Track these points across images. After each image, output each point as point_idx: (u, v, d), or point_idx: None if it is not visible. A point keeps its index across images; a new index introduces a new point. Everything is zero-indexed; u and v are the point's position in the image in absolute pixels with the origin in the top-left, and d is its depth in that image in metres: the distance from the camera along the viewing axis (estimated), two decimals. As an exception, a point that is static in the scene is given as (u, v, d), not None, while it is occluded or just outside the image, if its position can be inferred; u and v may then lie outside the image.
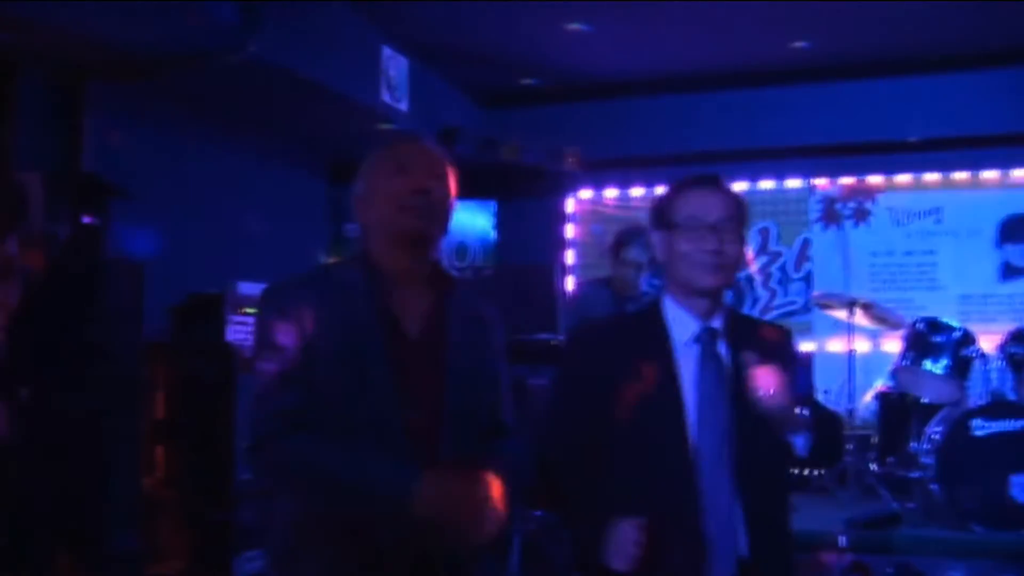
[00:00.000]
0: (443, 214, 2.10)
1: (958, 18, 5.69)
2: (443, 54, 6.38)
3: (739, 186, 6.94)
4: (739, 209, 2.46)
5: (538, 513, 4.61)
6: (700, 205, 2.41)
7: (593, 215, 7.48)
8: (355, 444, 1.94)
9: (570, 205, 7.52)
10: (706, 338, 2.35)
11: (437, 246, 2.14)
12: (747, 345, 2.28)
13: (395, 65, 6.05)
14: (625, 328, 2.53)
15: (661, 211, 2.51)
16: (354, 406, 1.98)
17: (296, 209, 6.62)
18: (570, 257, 7.44)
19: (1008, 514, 4.63)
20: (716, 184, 2.50)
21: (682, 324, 2.37)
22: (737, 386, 2.32)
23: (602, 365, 2.28)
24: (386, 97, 5.94)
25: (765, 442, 2.21)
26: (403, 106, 6.09)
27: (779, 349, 2.34)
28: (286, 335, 2.01)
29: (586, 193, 7.49)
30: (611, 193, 7.43)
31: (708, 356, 2.35)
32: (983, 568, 4.78)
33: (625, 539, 2.06)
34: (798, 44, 6.16)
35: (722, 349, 2.36)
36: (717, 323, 2.38)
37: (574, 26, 5.91)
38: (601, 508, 2.20)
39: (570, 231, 7.51)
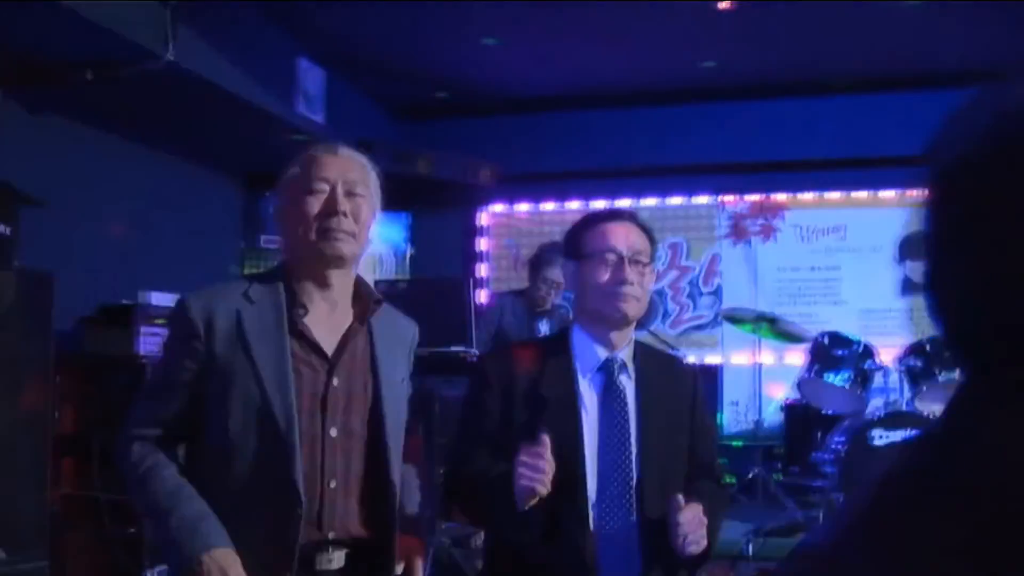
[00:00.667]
0: (362, 234, 2.08)
1: (860, 44, 5.85)
2: (359, 67, 6.40)
3: (649, 202, 7.08)
4: (650, 242, 2.52)
5: (451, 525, 4.64)
6: (612, 237, 2.46)
7: (506, 229, 7.55)
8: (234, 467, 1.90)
9: (483, 218, 7.58)
10: (610, 369, 2.39)
11: (357, 263, 2.13)
12: (655, 377, 2.35)
13: (311, 77, 6.04)
14: (534, 353, 2.54)
15: (573, 241, 2.55)
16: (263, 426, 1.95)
17: (210, 219, 6.56)
18: (482, 270, 7.50)
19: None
20: (629, 218, 2.55)
21: (588, 354, 2.42)
22: (643, 418, 2.38)
23: (508, 389, 2.30)
24: (302, 109, 5.93)
25: (671, 470, 2.26)
26: (319, 118, 6.08)
27: (685, 384, 2.42)
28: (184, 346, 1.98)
29: (499, 207, 7.55)
30: (523, 207, 7.50)
31: (610, 387, 2.39)
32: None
33: (534, 460, 2.04)
34: (707, 63, 6.28)
35: (626, 380, 2.41)
36: (623, 354, 2.43)
37: (488, 41, 5.96)
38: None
39: (483, 244, 7.57)
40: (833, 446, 5.19)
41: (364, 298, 2.12)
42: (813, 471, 5.47)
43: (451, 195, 7.17)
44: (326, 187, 2.02)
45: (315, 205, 2.00)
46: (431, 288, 5.48)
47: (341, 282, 2.07)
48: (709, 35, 5.76)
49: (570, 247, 2.55)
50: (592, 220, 2.55)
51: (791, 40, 5.84)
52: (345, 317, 2.07)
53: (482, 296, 7.09)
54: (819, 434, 5.54)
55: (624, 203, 7.05)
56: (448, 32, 5.85)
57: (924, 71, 6.36)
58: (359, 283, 2.14)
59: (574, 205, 7.14)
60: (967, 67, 6.21)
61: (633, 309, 2.40)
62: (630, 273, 2.38)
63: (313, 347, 1.99)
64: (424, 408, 4.37)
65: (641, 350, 2.50)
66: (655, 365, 2.43)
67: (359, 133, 6.47)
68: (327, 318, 2.04)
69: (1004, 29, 5.58)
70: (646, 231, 2.48)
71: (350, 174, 2.06)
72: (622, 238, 2.43)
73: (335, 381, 1.99)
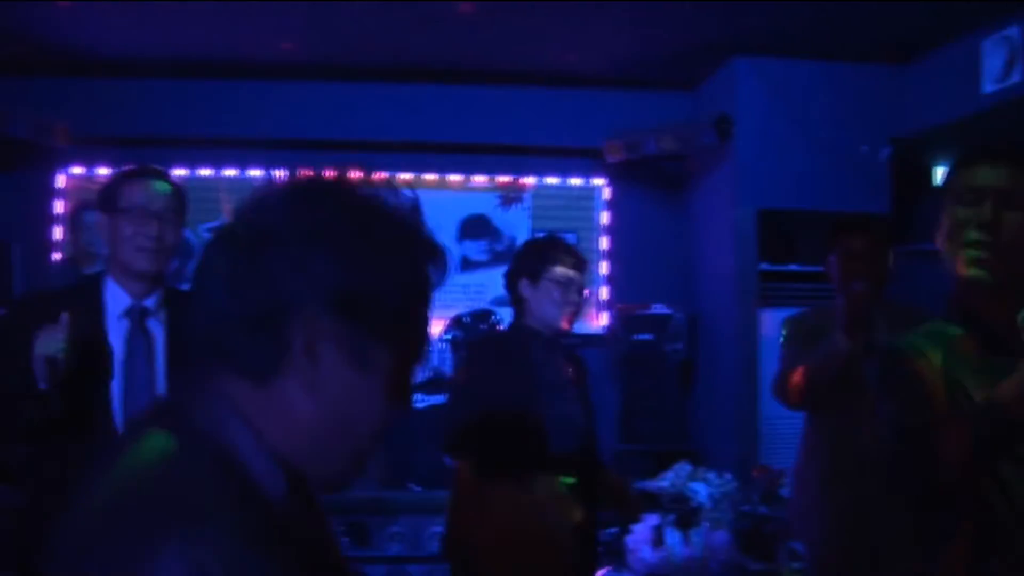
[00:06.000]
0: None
1: (419, 35, 6.27)
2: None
3: (229, 172, 7.22)
4: (180, 200, 2.77)
5: None
6: (143, 194, 2.68)
7: (85, 192, 7.41)
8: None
9: (61, 181, 7.40)
10: (135, 315, 2.64)
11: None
12: (184, 322, 2.62)
13: None
14: (63, 300, 2.71)
15: (106, 196, 2.75)
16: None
17: None
18: (58, 233, 7.34)
19: (440, 475, 5.32)
20: (161, 175, 2.79)
21: (117, 301, 2.65)
22: (170, 360, 2.64)
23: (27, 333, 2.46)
24: None
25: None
26: None
27: None
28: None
29: (78, 170, 7.40)
30: (104, 171, 7.38)
31: (136, 331, 2.64)
32: (419, 522, 5.46)
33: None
34: (285, 43, 6.49)
35: (155, 325, 2.66)
36: (151, 302, 2.67)
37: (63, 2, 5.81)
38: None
39: (59, 207, 7.40)
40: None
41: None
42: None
43: (23, 155, 6.96)
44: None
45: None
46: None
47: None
48: (287, 14, 5.91)
49: (103, 201, 2.75)
50: (124, 176, 2.77)
51: (363, 24, 6.13)
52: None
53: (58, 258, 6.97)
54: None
55: (204, 172, 7.18)
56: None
57: (484, 68, 6.96)
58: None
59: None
60: (521, 67, 6.89)
61: (160, 262, 2.66)
62: (159, 228, 2.64)
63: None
64: None
65: (172, 296, 2.76)
66: (184, 310, 2.72)
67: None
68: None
69: (569, 31, 6.20)
70: (177, 187, 2.76)
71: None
72: (153, 195, 2.68)
73: None
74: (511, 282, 3.60)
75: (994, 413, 1.94)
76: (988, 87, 5.68)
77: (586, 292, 3.66)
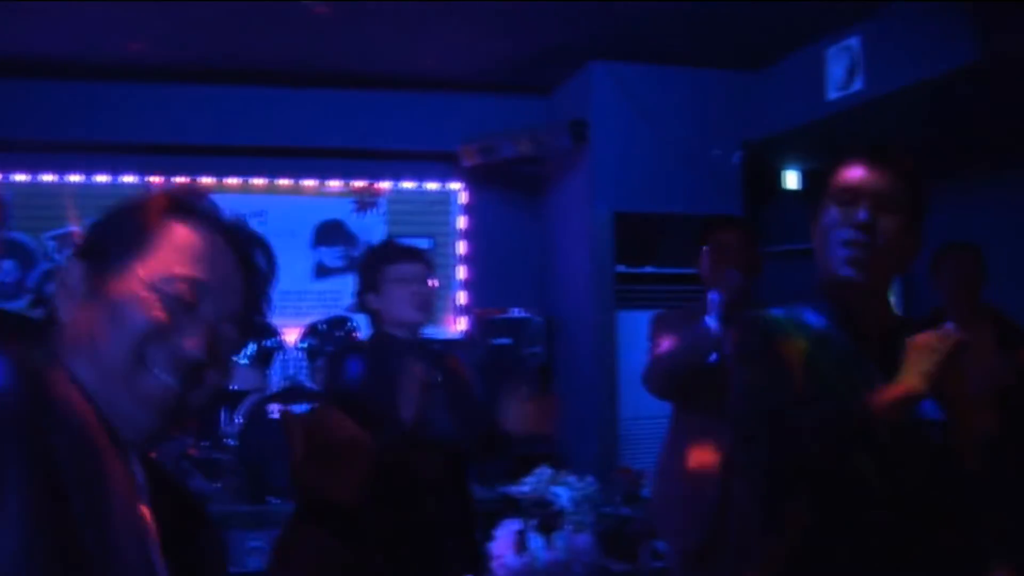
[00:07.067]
0: None
1: (273, 37, 6.13)
2: None
3: (74, 178, 6.93)
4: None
5: None
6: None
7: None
8: None
9: None
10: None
11: None
12: None
13: None
14: None
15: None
16: None
17: None
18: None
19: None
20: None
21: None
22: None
23: None
24: None
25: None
26: None
27: None
28: None
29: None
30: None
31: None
32: (277, 534, 5.31)
33: None
34: (133, 43, 6.23)
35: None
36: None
37: None
38: None
39: None
40: (237, 421, 5.49)
41: None
42: (220, 445, 5.74)
43: None
44: None
45: None
46: None
47: None
48: (137, 17, 5.71)
49: None
50: None
51: (214, 30, 5.96)
52: None
53: None
54: (226, 409, 5.80)
55: (48, 178, 6.87)
56: None
57: (338, 71, 6.85)
58: None
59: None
60: (377, 71, 6.81)
61: None
62: None
63: None
64: None
65: None
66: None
67: None
68: None
69: (426, 34, 6.14)
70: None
71: None
72: None
73: None
74: (361, 302, 3.59)
75: (863, 412, 1.98)
76: (832, 94, 5.86)
77: (433, 282, 3.62)
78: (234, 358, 1.46)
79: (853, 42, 5.66)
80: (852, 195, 2.17)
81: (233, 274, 1.45)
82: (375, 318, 3.54)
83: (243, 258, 1.48)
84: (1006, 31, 4.67)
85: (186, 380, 1.34)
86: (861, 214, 2.13)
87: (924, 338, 2.02)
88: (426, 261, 3.60)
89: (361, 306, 3.58)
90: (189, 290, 1.37)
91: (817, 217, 2.25)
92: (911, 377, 1.99)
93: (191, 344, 1.34)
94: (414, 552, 3.34)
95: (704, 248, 4.04)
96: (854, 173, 2.19)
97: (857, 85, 5.66)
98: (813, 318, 2.21)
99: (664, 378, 3.97)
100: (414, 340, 3.54)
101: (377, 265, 3.52)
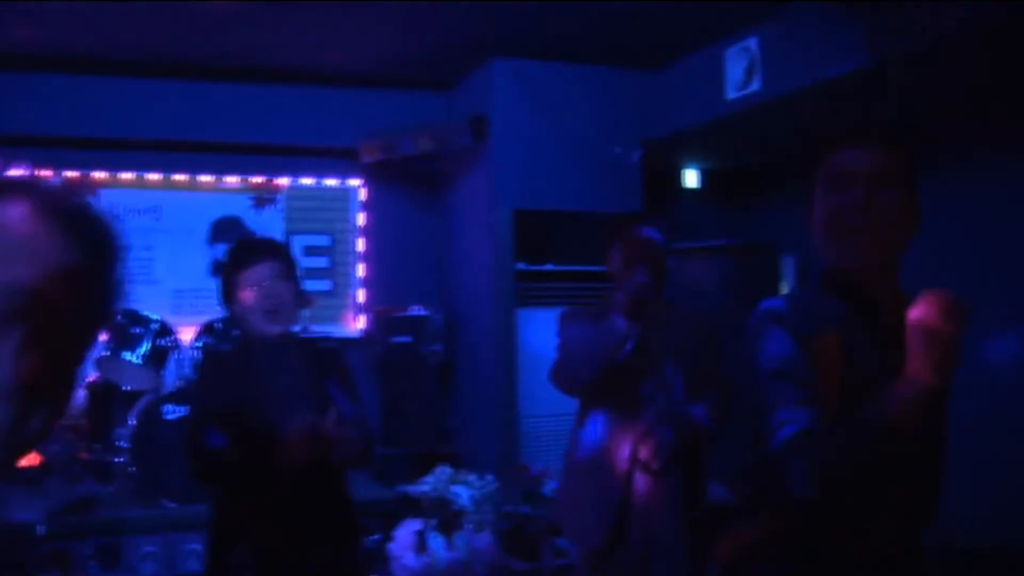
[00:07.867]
0: None
1: (171, 29, 5.99)
2: None
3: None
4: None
5: None
6: None
7: None
8: None
9: None
10: None
11: None
12: None
13: None
14: None
15: None
16: None
17: None
18: None
19: (195, 491, 5.08)
20: None
21: None
22: None
23: None
24: None
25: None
26: None
27: None
28: None
29: None
30: None
31: None
32: (173, 539, 5.20)
33: None
34: (24, 30, 6.01)
35: None
36: None
37: None
38: None
39: None
40: (131, 422, 5.35)
41: None
42: (113, 447, 5.59)
43: None
44: None
45: None
46: None
47: None
48: (31, 1, 5.48)
49: None
50: None
51: (116, 19, 5.79)
52: None
53: None
54: (119, 411, 5.66)
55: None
56: None
57: (238, 66, 6.72)
58: None
59: None
60: (277, 66, 6.71)
61: None
62: None
63: None
64: None
65: None
66: None
67: None
68: None
69: (327, 29, 6.06)
70: None
71: None
72: None
73: None
74: (228, 311, 3.46)
75: (880, 425, 1.90)
76: (731, 93, 5.94)
77: (288, 281, 3.42)
78: (84, 367, 1.24)
79: (751, 43, 5.75)
80: (848, 179, 2.15)
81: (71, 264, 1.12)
82: (241, 322, 3.42)
83: (82, 243, 1.13)
84: (895, 34, 4.77)
85: (16, 408, 1.07)
86: (858, 197, 2.12)
87: (925, 315, 1.84)
88: (280, 256, 3.43)
89: (231, 316, 3.47)
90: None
91: (811, 209, 2.23)
92: (923, 371, 1.84)
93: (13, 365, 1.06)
94: (285, 563, 3.23)
95: (614, 245, 4.03)
96: (846, 157, 2.18)
97: (755, 85, 5.74)
98: (831, 308, 2.18)
99: (574, 375, 3.96)
100: (286, 339, 3.40)
101: (228, 273, 3.38)
